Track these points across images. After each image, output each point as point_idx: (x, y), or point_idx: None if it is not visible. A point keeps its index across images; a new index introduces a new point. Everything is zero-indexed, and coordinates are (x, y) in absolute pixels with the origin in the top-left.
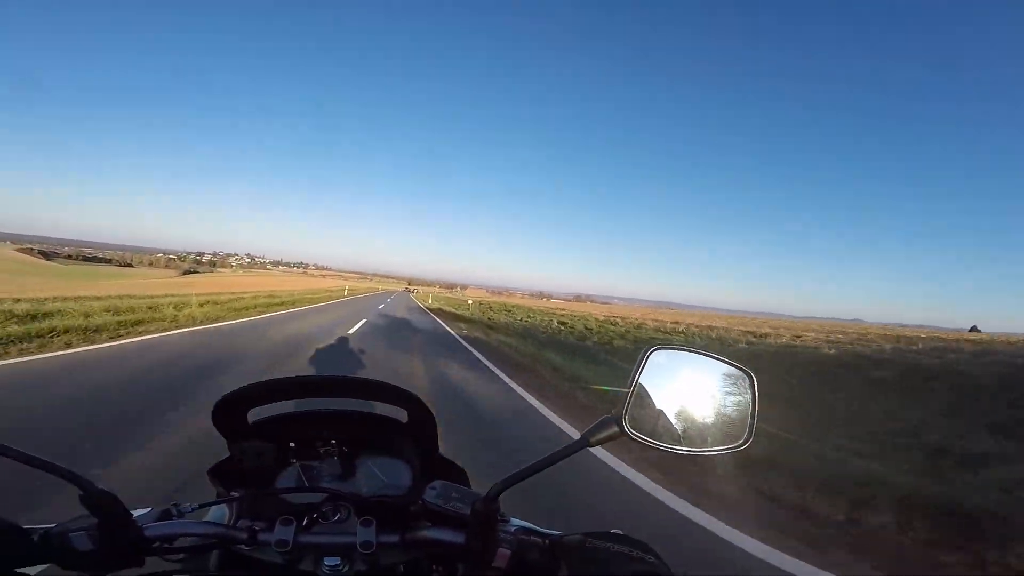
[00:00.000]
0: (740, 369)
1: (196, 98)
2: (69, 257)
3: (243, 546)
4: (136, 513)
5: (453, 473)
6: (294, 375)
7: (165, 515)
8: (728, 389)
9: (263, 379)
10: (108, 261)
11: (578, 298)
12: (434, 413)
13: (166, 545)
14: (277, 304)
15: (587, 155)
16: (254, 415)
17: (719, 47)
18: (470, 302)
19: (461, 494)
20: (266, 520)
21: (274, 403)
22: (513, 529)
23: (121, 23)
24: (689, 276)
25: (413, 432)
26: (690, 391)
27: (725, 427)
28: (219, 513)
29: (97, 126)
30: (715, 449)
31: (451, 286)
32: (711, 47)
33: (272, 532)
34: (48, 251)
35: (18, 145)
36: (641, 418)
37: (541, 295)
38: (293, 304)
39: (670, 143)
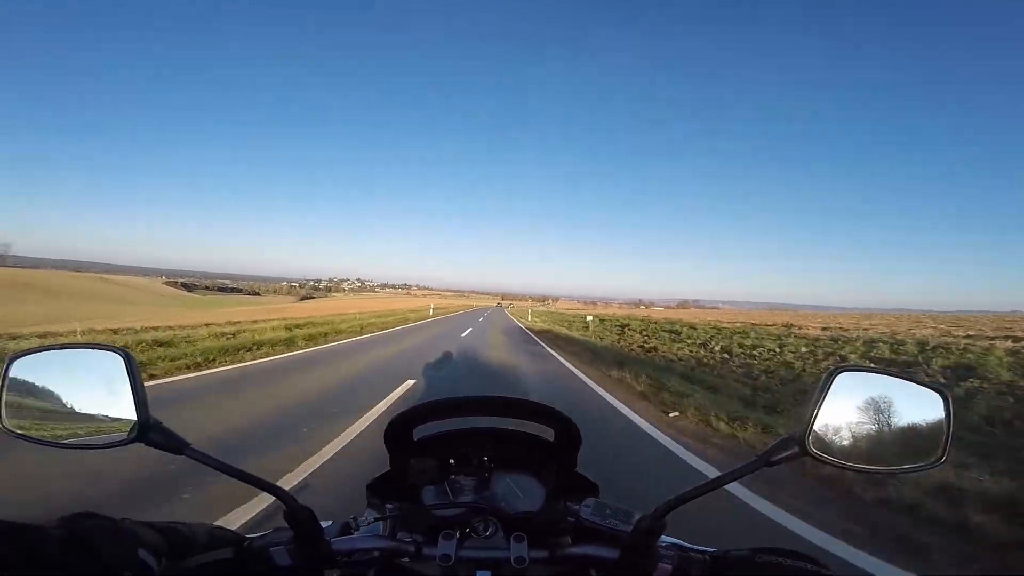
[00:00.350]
0: (933, 388)
1: (318, 148)
2: (207, 288)
3: (405, 559)
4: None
5: (587, 487)
6: (458, 396)
7: (345, 528)
8: (919, 408)
9: (429, 400)
10: (239, 291)
11: (683, 304)
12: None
13: (345, 559)
14: (280, 343)
15: (676, 156)
16: (418, 432)
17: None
18: (589, 318)
19: (614, 511)
20: (420, 533)
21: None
22: (665, 544)
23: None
24: (797, 274)
25: (559, 450)
26: (877, 411)
27: (916, 446)
28: (375, 526)
29: (243, 176)
30: (904, 467)
31: (542, 299)
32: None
33: (435, 546)
34: (190, 283)
35: (174, 191)
36: (825, 438)
37: (639, 303)
38: (323, 337)
39: (758, 135)
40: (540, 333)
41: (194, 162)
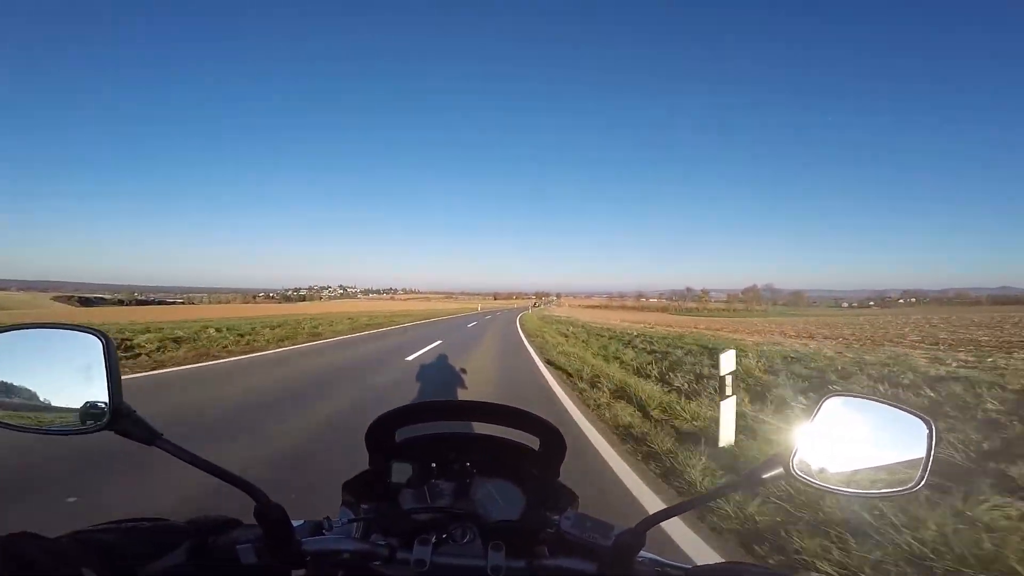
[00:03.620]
0: (918, 416)
1: (293, 145)
2: (121, 302)
3: (377, 562)
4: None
5: (567, 497)
6: (444, 399)
7: (317, 528)
8: (903, 436)
9: (415, 402)
10: (167, 303)
11: (751, 292)
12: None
13: (314, 560)
14: None
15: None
16: (400, 435)
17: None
18: None
19: (595, 524)
20: (395, 536)
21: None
22: (642, 560)
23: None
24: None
25: (543, 459)
26: (862, 437)
27: (897, 472)
28: (349, 527)
29: (230, 182)
30: (883, 491)
31: (541, 296)
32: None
33: (409, 551)
34: (94, 298)
35: (111, 198)
36: (810, 460)
37: (686, 292)
38: None
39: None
40: None
41: (148, 164)
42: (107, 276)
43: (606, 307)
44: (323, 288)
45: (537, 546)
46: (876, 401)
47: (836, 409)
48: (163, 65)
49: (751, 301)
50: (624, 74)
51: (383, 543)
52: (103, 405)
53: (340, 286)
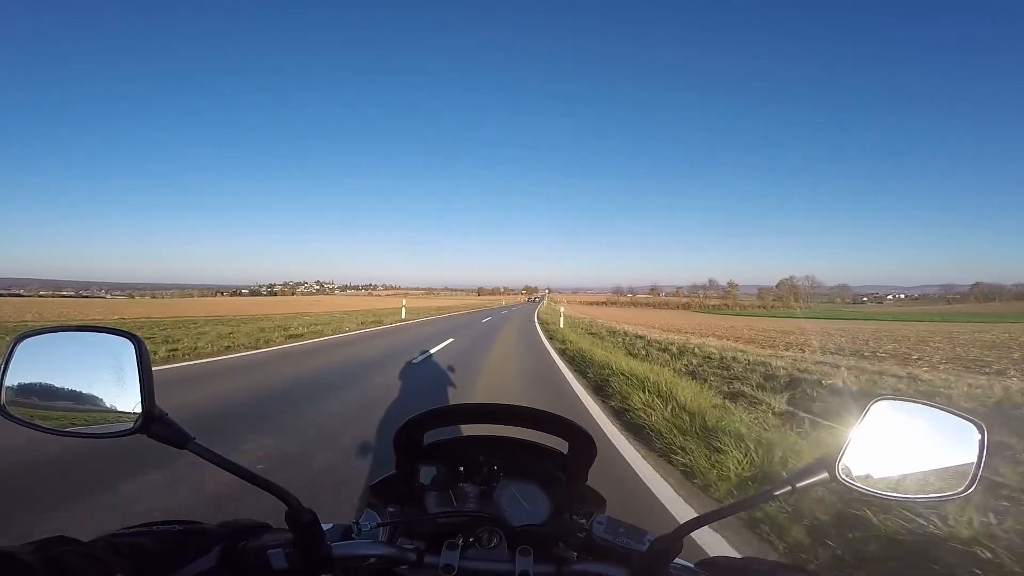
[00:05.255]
0: (970, 420)
1: (291, 160)
2: (20, 295)
3: (405, 566)
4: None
5: (594, 501)
6: (472, 403)
7: (346, 533)
8: (954, 440)
9: (445, 405)
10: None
11: (788, 286)
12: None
13: (344, 564)
14: None
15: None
16: (429, 437)
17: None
18: None
19: (627, 529)
20: (421, 540)
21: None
22: (676, 567)
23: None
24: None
25: (571, 463)
26: (911, 441)
27: (946, 476)
28: (376, 531)
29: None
30: (931, 497)
31: (532, 290)
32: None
33: (437, 554)
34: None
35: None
36: (855, 465)
37: (711, 287)
38: None
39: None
40: None
41: (103, 155)
42: (52, 272)
43: (611, 304)
44: (298, 284)
45: (565, 550)
46: (926, 405)
47: (884, 413)
48: (126, 55)
49: (787, 296)
50: (637, 54)
51: (411, 547)
52: (136, 409)
53: (317, 282)
